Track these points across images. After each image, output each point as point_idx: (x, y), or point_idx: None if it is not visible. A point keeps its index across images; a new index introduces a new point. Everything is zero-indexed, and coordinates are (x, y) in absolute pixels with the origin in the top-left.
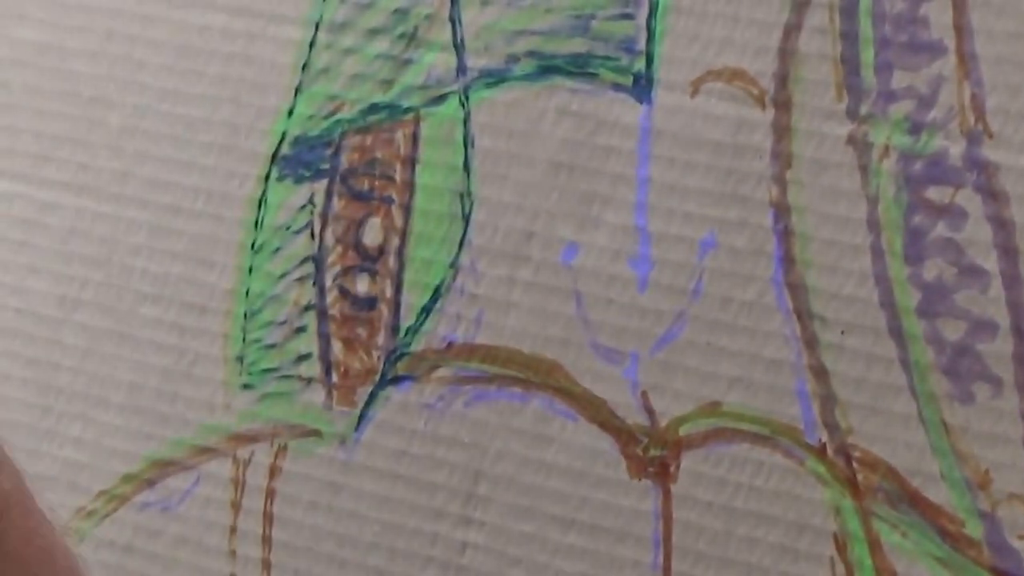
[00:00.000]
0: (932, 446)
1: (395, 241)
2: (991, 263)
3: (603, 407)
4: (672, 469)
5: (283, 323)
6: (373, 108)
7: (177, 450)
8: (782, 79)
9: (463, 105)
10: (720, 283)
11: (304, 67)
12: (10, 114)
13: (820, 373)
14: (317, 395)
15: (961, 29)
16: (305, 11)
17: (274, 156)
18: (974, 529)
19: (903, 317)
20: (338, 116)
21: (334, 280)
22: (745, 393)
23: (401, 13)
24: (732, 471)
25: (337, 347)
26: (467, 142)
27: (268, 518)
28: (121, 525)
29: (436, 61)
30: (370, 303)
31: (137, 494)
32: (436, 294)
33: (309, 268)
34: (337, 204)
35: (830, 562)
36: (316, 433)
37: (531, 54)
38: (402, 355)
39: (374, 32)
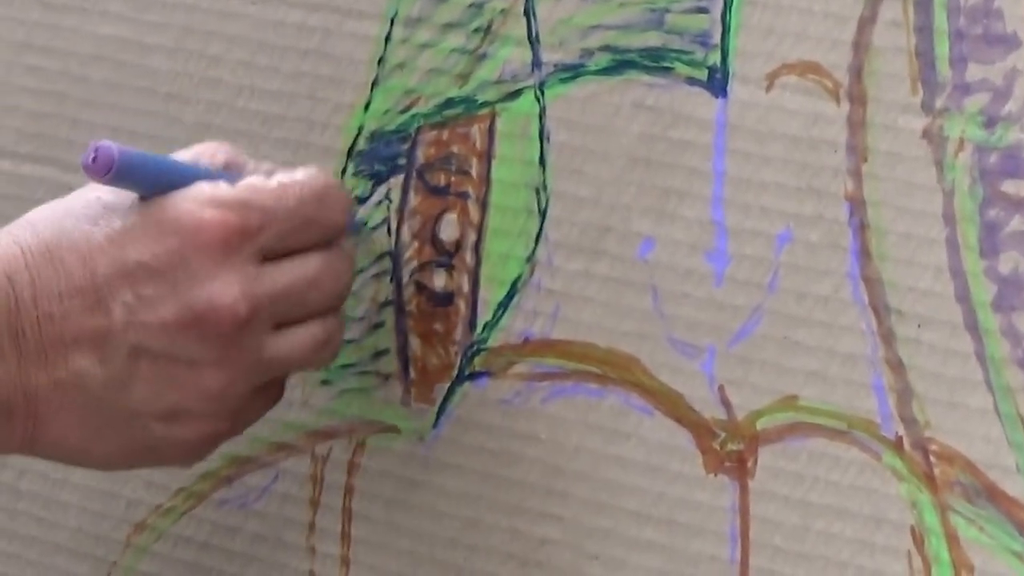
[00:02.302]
0: (1009, 440)
1: (471, 236)
2: None
3: (680, 401)
4: (749, 464)
5: (361, 319)
6: (449, 103)
7: (255, 447)
8: (857, 73)
9: (538, 100)
10: (796, 277)
11: (380, 62)
12: (88, 109)
13: (896, 367)
14: (395, 391)
15: None
16: (381, 6)
17: (350, 152)
18: None
19: (979, 311)
20: (414, 111)
21: (411, 276)
22: (822, 387)
23: (476, 7)
24: (809, 465)
25: (415, 343)
26: (543, 137)
27: (347, 514)
28: (199, 522)
29: (511, 56)
30: (447, 298)
31: (215, 491)
32: (513, 289)
33: (386, 264)
34: (413, 199)
35: (907, 556)
36: (394, 429)
37: (606, 48)
38: (479, 351)
39: (449, 27)
